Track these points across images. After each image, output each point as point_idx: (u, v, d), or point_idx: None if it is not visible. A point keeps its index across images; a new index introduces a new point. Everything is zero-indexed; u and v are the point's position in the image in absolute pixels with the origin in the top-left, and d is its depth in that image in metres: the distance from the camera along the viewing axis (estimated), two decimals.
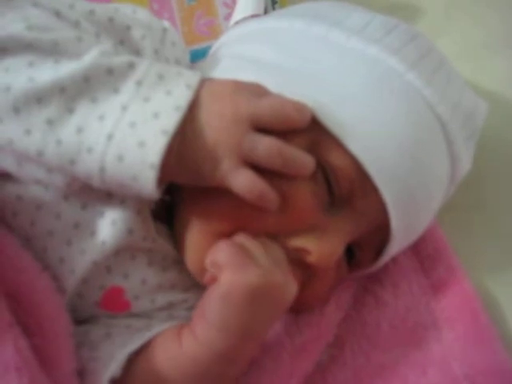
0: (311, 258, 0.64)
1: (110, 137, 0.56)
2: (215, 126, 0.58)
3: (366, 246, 0.70)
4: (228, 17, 0.86)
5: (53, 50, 0.57)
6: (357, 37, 0.67)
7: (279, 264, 0.62)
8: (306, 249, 0.64)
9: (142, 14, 0.69)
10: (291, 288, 0.62)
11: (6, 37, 0.56)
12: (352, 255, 0.70)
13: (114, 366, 0.62)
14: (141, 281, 0.68)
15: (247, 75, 0.64)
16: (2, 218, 0.64)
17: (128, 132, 0.55)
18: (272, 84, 0.63)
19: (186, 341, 0.62)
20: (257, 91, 0.61)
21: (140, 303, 0.68)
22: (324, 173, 0.64)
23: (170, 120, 0.56)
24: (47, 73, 0.56)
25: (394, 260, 0.77)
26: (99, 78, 0.56)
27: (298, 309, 0.70)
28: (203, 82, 0.60)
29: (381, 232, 0.68)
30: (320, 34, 0.68)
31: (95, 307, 0.68)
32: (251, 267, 0.59)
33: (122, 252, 0.66)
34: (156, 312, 0.69)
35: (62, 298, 0.65)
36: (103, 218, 0.63)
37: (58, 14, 0.61)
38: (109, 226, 0.63)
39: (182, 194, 0.67)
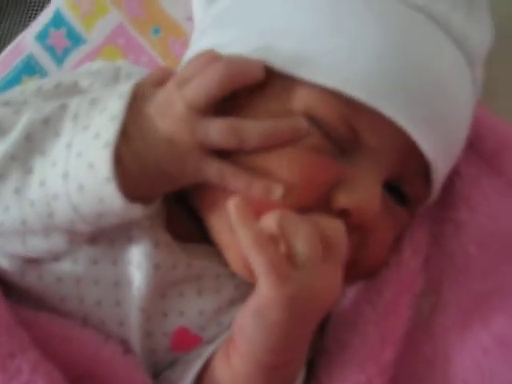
0: (352, 216, 0.57)
1: (65, 175, 0.56)
2: (163, 127, 0.56)
3: (410, 177, 0.61)
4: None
5: None
6: None
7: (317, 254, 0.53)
8: (342, 208, 0.57)
9: (95, 64, 0.71)
10: (335, 286, 0.55)
11: None
12: (402, 194, 0.62)
13: None
14: (198, 313, 0.64)
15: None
16: (53, 307, 0.65)
17: (78, 162, 0.56)
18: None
19: (234, 360, 0.57)
20: (200, 65, 0.57)
21: (208, 332, 0.65)
22: (314, 122, 0.58)
23: (108, 132, 0.55)
24: None
25: (457, 172, 0.67)
26: (39, 132, 0.57)
27: (363, 276, 0.63)
28: (140, 87, 0.58)
29: (416, 155, 0.59)
30: None
31: (171, 353, 0.66)
32: (289, 279, 0.52)
33: (168, 291, 0.63)
34: (227, 331, 0.64)
35: (135, 359, 0.65)
36: (132, 264, 0.62)
37: (6, 104, 0.62)
38: (136, 270, 0.62)
39: (196, 204, 0.64)
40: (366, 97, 0.57)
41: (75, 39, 0.86)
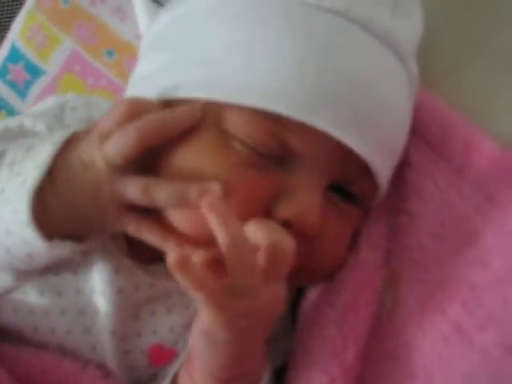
0: (294, 225, 0.58)
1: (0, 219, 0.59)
2: (85, 180, 0.57)
3: (354, 177, 0.62)
4: None
5: None
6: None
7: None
8: (283, 219, 0.58)
9: (47, 102, 0.72)
10: (277, 300, 0.55)
11: None
12: (350, 193, 0.63)
13: None
14: (169, 329, 0.67)
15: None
16: (30, 340, 0.66)
17: (6, 207, 0.58)
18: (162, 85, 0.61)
19: (194, 376, 0.59)
20: (120, 119, 0.58)
21: (181, 345, 0.67)
22: (242, 142, 0.59)
23: (31, 179, 0.57)
24: None
25: (407, 163, 0.67)
26: None
27: (323, 277, 0.64)
28: (76, 134, 0.60)
29: (354, 156, 0.59)
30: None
31: (151, 368, 0.68)
32: (228, 306, 0.53)
33: (141, 312, 0.66)
34: None
35: (115, 381, 0.67)
36: (96, 292, 0.64)
37: None
38: (100, 297, 0.64)
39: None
40: (288, 111, 0.57)
41: (34, 71, 0.88)
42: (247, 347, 0.56)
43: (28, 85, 0.88)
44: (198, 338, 0.55)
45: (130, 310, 0.66)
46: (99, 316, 0.65)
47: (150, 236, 0.59)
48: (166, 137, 0.58)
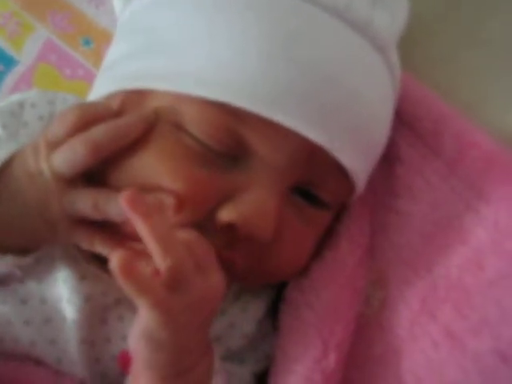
0: (239, 230, 0.54)
1: None
2: (32, 193, 0.55)
3: (323, 178, 0.57)
4: None
5: None
6: None
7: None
8: (225, 223, 0.54)
9: (7, 100, 0.67)
10: (215, 291, 0.52)
11: None
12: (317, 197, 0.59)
13: None
14: None
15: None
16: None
17: None
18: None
19: (140, 379, 0.55)
20: (69, 130, 0.55)
21: None
22: (192, 136, 0.55)
23: None
24: None
25: (398, 157, 0.63)
26: None
27: (280, 278, 0.62)
28: (21, 152, 0.56)
29: (322, 155, 0.56)
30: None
31: (124, 376, 0.66)
32: (163, 300, 0.50)
33: (108, 316, 0.62)
34: None
35: None
36: (62, 301, 0.61)
37: None
38: (67, 305, 0.61)
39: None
40: (250, 104, 0.53)
41: (7, 61, 0.84)
42: (189, 341, 0.53)
43: (2, 76, 0.85)
44: (141, 343, 0.52)
45: (97, 315, 0.62)
46: (66, 324, 0.61)
47: (103, 250, 0.56)
48: (117, 147, 0.55)
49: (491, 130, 0.61)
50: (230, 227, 0.54)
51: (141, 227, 0.50)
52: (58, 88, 0.84)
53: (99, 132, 0.55)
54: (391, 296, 0.60)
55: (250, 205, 0.54)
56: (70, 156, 0.54)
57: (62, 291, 0.61)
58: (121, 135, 0.55)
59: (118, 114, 0.58)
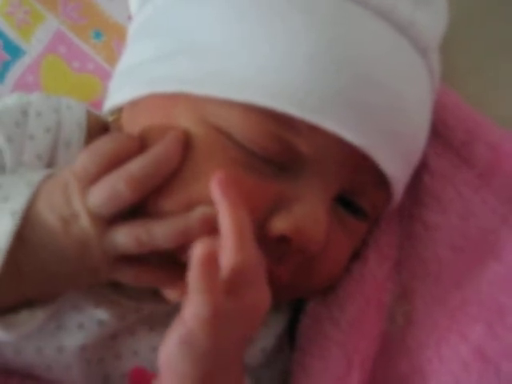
0: (292, 241, 0.51)
1: None
2: (68, 239, 0.50)
3: (365, 188, 0.55)
4: None
5: None
6: None
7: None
8: (276, 233, 0.51)
9: (2, 102, 0.61)
10: (261, 303, 0.48)
11: None
12: (357, 206, 0.56)
13: None
14: (151, 350, 0.59)
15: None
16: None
17: None
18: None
19: None
20: (106, 163, 0.51)
21: None
22: (239, 144, 0.52)
23: (4, 227, 0.49)
24: None
25: (426, 166, 0.60)
26: None
27: (312, 293, 0.58)
28: (45, 188, 0.51)
29: (367, 164, 0.53)
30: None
31: None
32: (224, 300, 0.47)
33: (119, 332, 0.59)
34: None
35: None
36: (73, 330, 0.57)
37: None
38: (76, 330, 0.57)
39: None
40: (298, 111, 0.50)
41: (14, 51, 0.80)
42: (227, 355, 0.49)
43: (7, 66, 0.81)
44: (178, 352, 0.47)
45: (108, 336, 0.59)
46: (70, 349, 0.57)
47: (153, 282, 0.53)
48: (162, 178, 0.51)
49: None
50: (282, 239, 0.51)
51: (225, 215, 0.48)
52: (66, 81, 0.80)
53: (138, 166, 0.50)
54: (417, 312, 0.57)
55: (304, 215, 0.51)
56: (110, 195, 0.50)
57: (79, 316, 0.57)
58: (163, 165, 0.51)
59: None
